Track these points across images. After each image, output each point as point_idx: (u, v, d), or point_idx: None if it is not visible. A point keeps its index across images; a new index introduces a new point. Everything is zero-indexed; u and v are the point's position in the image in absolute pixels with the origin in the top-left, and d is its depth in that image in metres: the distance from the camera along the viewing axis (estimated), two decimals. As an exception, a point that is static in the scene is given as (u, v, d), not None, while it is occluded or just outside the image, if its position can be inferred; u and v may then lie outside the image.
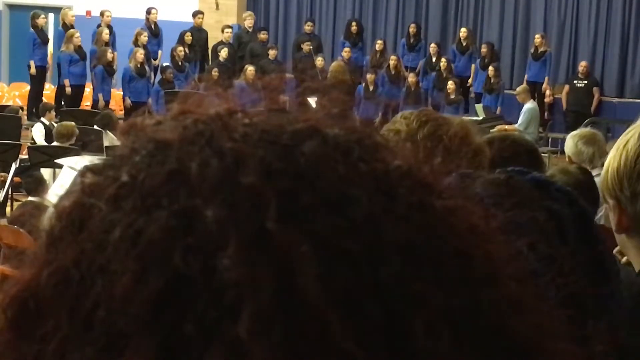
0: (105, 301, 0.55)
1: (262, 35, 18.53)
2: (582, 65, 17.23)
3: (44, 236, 0.61)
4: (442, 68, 17.30)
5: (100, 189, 0.60)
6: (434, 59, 17.75)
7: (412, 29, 18.63)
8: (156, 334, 0.54)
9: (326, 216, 0.56)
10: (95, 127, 12.34)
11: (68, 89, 16.69)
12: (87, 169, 0.61)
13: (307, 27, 18.90)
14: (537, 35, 17.53)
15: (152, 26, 18.13)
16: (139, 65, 16.72)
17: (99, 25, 17.69)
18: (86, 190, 0.60)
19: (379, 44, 18.26)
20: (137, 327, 0.54)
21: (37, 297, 0.58)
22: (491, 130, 11.86)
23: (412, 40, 18.60)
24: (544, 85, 17.41)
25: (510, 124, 15.02)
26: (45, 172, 10.28)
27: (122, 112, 16.55)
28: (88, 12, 19.65)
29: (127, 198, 0.58)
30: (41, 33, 17.39)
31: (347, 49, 18.24)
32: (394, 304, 0.56)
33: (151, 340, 0.54)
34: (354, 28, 18.88)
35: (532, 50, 17.60)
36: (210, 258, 0.55)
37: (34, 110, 16.33)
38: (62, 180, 8.79)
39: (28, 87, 17.72)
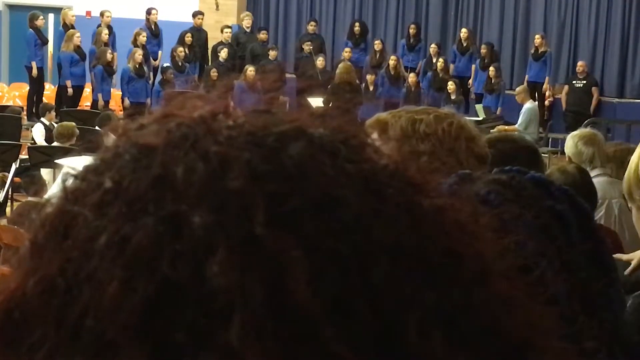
0: (93, 310, 0.55)
1: (262, 35, 18.52)
2: (580, 65, 17.21)
3: (27, 244, 0.60)
4: (439, 68, 17.28)
5: (84, 195, 0.59)
6: (434, 60, 17.74)
7: (412, 29, 18.62)
8: (146, 342, 0.54)
9: (315, 218, 0.56)
10: (97, 127, 12.35)
11: (70, 90, 16.68)
12: (69, 175, 0.60)
13: (310, 27, 18.89)
14: (537, 36, 17.51)
15: (152, 26, 18.13)
16: (137, 66, 16.71)
17: (99, 26, 17.69)
18: (69, 197, 0.60)
19: (377, 44, 18.25)
20: (126, 336, 0.54)
21: (22, 307, 0.58)
22: (491, 130, 11.87)
23: (412, 40, 18.59)
24: (545, 86, 17.40)
25: (510, 124, 15.01)
26: (45, 172, 10.27)
27: (122, 112, 16.54)
28: (88, 13, 19.65)
29: (112, 204, 0.57)
30: (40, 34, 17.39)
31: (347, 49, 18.24)
32: (385, 305, 0.55)
33: (141, 348, 0.54)
34: (356, 29, 18.88)
35: (532, 51, 17.59)
36: (199, 264, 0.54)
37: (34, 110, 16.33)
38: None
39: (28, 88, 17.72)
